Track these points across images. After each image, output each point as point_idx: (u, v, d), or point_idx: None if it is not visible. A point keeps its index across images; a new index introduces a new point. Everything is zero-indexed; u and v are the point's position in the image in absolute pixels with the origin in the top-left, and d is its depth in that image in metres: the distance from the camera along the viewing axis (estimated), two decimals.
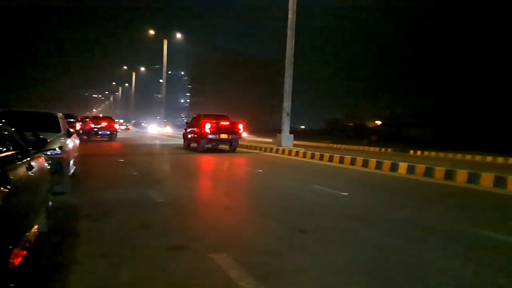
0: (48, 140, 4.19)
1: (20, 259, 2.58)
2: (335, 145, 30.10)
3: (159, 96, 64.64)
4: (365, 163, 11.75)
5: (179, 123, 54.29)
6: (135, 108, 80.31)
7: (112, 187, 7.31)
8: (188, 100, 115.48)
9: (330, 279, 3.12)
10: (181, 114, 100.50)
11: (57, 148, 5.94)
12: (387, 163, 11.00)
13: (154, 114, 79.28)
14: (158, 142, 25.86)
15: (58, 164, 5.73)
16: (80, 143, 9.58)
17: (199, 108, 60.02)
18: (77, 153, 8.27)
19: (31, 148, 3.50)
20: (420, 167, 10.02)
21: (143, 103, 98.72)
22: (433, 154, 22.58)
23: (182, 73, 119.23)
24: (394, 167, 10.69)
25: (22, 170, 2.87)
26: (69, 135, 7.13)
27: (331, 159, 13.37)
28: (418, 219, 5.36)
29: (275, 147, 17.45)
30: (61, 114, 7.83)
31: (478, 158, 19.77)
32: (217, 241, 4.06)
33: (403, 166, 10.47)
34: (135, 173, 9.54)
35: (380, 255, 3.75)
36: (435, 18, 43.10)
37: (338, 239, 4.28)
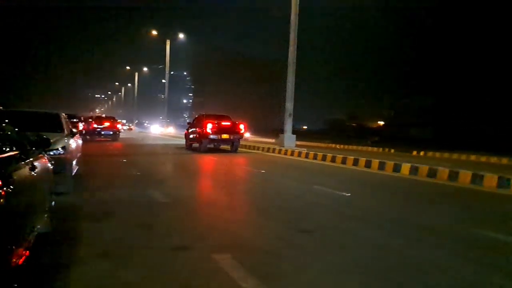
0: (51, 140, 4.19)
1: (22, 259, 2.59)
2: (333, 145, 30.11)
3: (162, 96, 64.82)
4: (367, 164, 11.73)
5: (181, 123, 54.33)
6: (138, 108, 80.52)
7: (115, 187, 7.33)
8: (191, 100, 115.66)
9: (331, 280, 3.12)
10: (184, 114, 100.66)
11: (60, 148, 5.96)
12: (390, 163, 10.97)
13: (156, 114, 79.57)
14: (160, 142, 25.91)
15: (61, 164, 5.75)
16: (83, 143, 9.61)
17: (202, 108, 60.20)
18: (80, 153, 8.29)
19: (34, 148, 3.51)
20: (423, 168, 9.99)
21: (146, 103, 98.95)
22: (437, 154, 22.49)
23: (185, 73, 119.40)
24: (397, 168, 10.66)
25: (25, 170, 2.87)
26: (72, 135, 7.15)
27: (333, 159, 13.35)
28: (419, 220, 5.35)
29: (277, 147, 17.45)
30: (64, 114, 7.85)
31: (482, 158, 19.68)
32: (219, 241, 4.06)
33: (406, 167, 10.43)
34: (137, 173, 9.56)
35: (380, 255, 3.75)
36: (435, 18, 43.04)
37: (339, 239, 4.28)
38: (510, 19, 32.88)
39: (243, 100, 69.31)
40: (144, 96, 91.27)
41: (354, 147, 28.80)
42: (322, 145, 28.42)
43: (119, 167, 11.29)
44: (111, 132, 25.31)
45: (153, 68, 70.16)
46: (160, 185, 7.77)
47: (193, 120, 19.19)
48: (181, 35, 43.90)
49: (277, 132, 21.98)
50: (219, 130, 16.24)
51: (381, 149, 26.42)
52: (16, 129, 3.42)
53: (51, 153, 5.52)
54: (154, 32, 43.69)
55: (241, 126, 16.83)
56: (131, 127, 64.96)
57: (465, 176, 8.94)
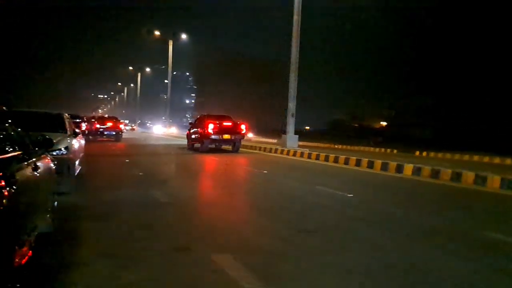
0: (54, 141, 4.20)
1: (25, 259, 2.59)
2: (334, 145, 30.12)
3: (164, 96, 64.91)
4: (370, 164, 11.70)
5: (184, 124, 54.39)
6: (140, 109, 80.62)
7: (117, 187, 7.33)
8: (193, 101, 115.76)
9: (334, 280, 3.12)
10: (186, 115, 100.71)
11: (63, 149, 5.97)
12: (392, 164, 10.94)
13: (159, 114, 79.69)
14: (162, 142, 25.95)
15: (64, 164, 5.76)
16: (85, 144, 9.63)
17: (204, 109, 60.24)
18: (82, 154, 8.30)
19: (37, 149, 3.52)
20: (426, 168, 9.95)
21: (148, 104, 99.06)
22: (439, 155, 22.42)
23: (187, 73, 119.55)
24: (399, 168, 10.63)
25: (28, 170, 2.88)
26: (75, 135, 7.16)
27: (336, 160, 13.32)
28: (421, 220, 5.34)
29: (279, 148, 17.44)
30: (67, 114, 7.87)
31: (485, 159, 19.61)
32: (220, 241, 4.06)
33: (408, 167, 10.40)
34: (139, 173, 9.57)
35: (382, 255, 3.74)
36: (435, 18, 42.97)
37: (341, 240, 4.27)
38: (510, 19, 32.80)
39: (245, 100, 69.33)
40: (146, 96, 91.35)
41: (356, 147, 28.74)
42: (325, 145, 28.39)
43: (121, 167, 11.31)
44: (114, 132, 25.34)
45: (155, 68, 70.29)
46: (162, 185, 7.78)
47: (195, 121, 19.25)
48: (183, 36, 43.93)
49: (279, 132, 21.99)
50: (220, 130, 16.29)
51: (383, 150, 26.36)
52: (19, 130, 3.44)
53: (54, 153, 5.52)
54: (157, 33, 43.73)
55: (243, 126, 16.88)
56: (134, 127, 65.04)
57: (468, 177, 8.89)
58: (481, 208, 6.65)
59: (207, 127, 16.18)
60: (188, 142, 19.09)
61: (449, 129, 37.26)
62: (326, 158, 13.85)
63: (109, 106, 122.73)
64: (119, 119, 29.15)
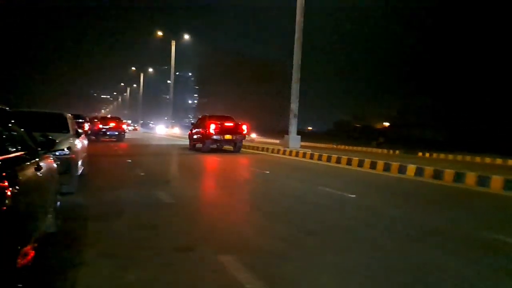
0: (57, 141, 4.21)
1: (28, 259, 2.59)
2: (335, 146, 30.11)
3: (167, 97, 65.00)
4: (372, 165, 11.67)
5: (186, 124, 54.46)
6: (143, 109, 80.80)
7: (120, 188, 7.34)
8: (196, 101, 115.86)
9: (336, 281, 3.11)
10: (189, 115, 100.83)
11: (65, 149, 5.98)
12: (395, 165, 10.91)
13: (162, 114, 79.70)
14: (165, 142, 26.00)
15: (67, 164, 5.77)
16: (88, 144, 9.64)
17: (207, 109, 60.19)
18: (85, 154, 8.32)
19: (40, 149, 3.52)
20: (429, 169, 9.92)
21: (151, 104, 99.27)
22: (441, 156, 22.35)
23: (190, 74, 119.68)
24: (402, 169, 10.60)
25: (30, 170, 2.88)
26: (77, 135, 7.18)
27: (338, 160, 13.29)
28: (424, 221, 5.33)
29: (282, 148, 17.42)
30: (69, 114, 7.89)
31: (487, 160, 19.54)
32: (223, 242, 4.06)
33: (411, 168, 10.37)
34: (142, 174, 9.57)
35: (384, 256, 3.73)
36: (435, 18, 42.92)
37: (344, 240, 4.27)
38: (510, 19, 32.72)
39: (248, 101, 69.39)
40: (149, 96, 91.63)
41: (359, 148, 28.69)
42: (327, 146, 28.36)
43: (124, 168, 11.33)
44: (117, 133, 25.37)
45: (158, 68, 70.37)
46: (164, 185, 7.78)
47: (197, 121, 19.32)
48: (186, 36, 43.97)
49: (282, 133, 21.98)
50: (222, 131, 16.36)
51: (385, 151, 26.30)
52: (22, 130, 3.44)
53: (57, 153, 5.53)
54: (160, 33, 43.79)
55: (244, 127, 16.95)
56: (136, 127, 65.19)
57: (471, 177, 8.86)
58: (482, 209, 6.63)
59: (209, 128, 16.24)
60: (190, 143, 19.15)
61: (450, 129, 37.19)
62: (329, 159, 13.82)
63: (111, 107, 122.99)
64: (121, 119, 29.18)
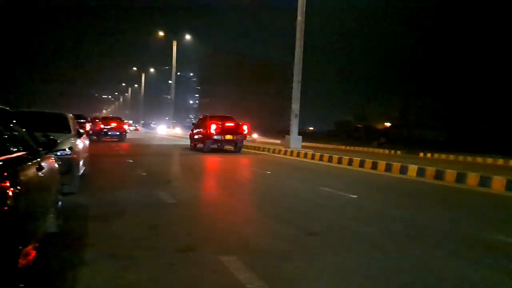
0: (58, 141, 4.22)
1: (29, 259, 2.60)
2: (337, 146, 30.09)
3: (168, 97, 65.07)
4: (374, 165, 11.67)
5: (188, 124, 54.52)
6: (144, 109, 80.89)
7: (121, 188, 7.36)
8: (197, 101, 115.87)
9: (338, 282, 3.11)
10: (190, 115, 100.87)
11: (67, 149, 5.99)
12: (396, 165, 10.90)
13: (163, 115, 79.77)
14: (166, 142, 26.04)
15: (68, 164, 5.78)
16: (90, 144, 9.66)
17: (208, 109, 60.26)
18: (87, 154, 8.33)
19: (41, 149, 3.53)
20: (430, 170, 9.91)
21: (152, 104, 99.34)
22: (443, 156, 22.31)
23: (191, 74, 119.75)
24: (403, 170, 10.59)
25: (32, 170, 2.89)
26: (79, 135, 7.19)
27: (339, 161, 13.29)
28: (425, 222, 5.33)
29: (283, 149, 17.43)
30: (71, 114, 7.90)
31: (489, 161, 19.50)
32: (225, 242, 4.06)
33: (413, 168, 10.36)
34: (143, 174, 9.59)
35: (386, 257, 3.73)
36: (435, 18, 42.91)
37: (346, 241, 4.26)
38: (510, 19, 32.68)
39: (250, 101, 69.40)
40: (150, 97, 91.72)
41: (360, 148, 28.66)
42: (328, 146, 28.34)
43: (125, 168, 11.35)
44: (118, 133, 25.42)
45: (159, 69, 70.47)
46: (165, 185, 7.79)
47: (198, 121, 19.38)
48: (187, 36, 44.02)
49: (283, 133, 21.98)
50: (222, 131, 16.40)
51: (387, 151, 26.27)
52: (24, 130, 3.45)
53: (58, 153, 5.55)
54: (161, 33, 43.84)
55: (244, 127, 17.00)
56: (138, 127, 65.25)
57: (472, 178, 8.85)
58: (483, 209, 6.63)
59: (210, 128, 16.29)
60: (191, 143, 19.20)
61: (450, 129, 37.16)
62: (330, 159, 13.82)
63: (113, 107, 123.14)
64: (123, 119, 29.23)
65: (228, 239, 4.19)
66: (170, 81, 50.06)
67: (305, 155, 15.42)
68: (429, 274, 3.34)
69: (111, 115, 45.49)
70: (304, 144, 18.83)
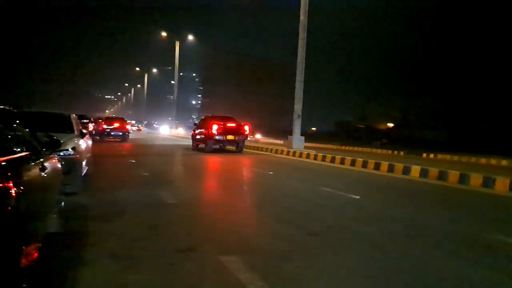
0: (61, 141, 4.24)
1: (31, 259, 2.62)
2: (340, 147, 30.10)
3: (171, 97, 65.14)
4: (376, 166, 11.66)
5: (190, 124, 54.52)
6: (147, 109, 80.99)
7: (124, 188, 7.39)
8: (200, 102, 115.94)
9: (339, 282, 3.13)
10: (193, 115, 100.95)
11: (70, 149, 6.02)
12: (399, 166, 10.89)
13: (166, 115, 79.92)
14: (169, 143, 26.08)
15: (71, 164, 5.81)
16: (92, 144, 9.70)
17: (210, 110, 60.31)
18: (89, 154, 8.37)
19: (44, 149, 3.56)
20: (433, 170, 9.89)
21: (155, 104, 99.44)
22: (447, 157, 22.24)
23: (194, 74, 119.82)
24: (406, 170, 10.57)
25: (35, 171, 2.92)
26: (82, 136, 7.22)
27: (342, 161, 13.28)
28: (427, 222, 5.33)
29: (285, 149, 17.43)
30: (74, 115, 7.94)
31: (492, 161, 19.43)
32: (226, 243, 4.08)
33: (415, 169, 10.34)
34: (145, 174, 9.62)
35: (386, 257, 3.73)
36: (435, 18, 42.76)
37: (347, 242, 4.27)
38: (510, 19, 32.54)
39: (252, 101, 69.37)
40: (153, 97, 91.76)
41: (362, 149, 28.62)
42: (330, 146, 28.33)
43: (128, 168, 11.39)
44: (121, 133, 25.48)
45: (162, 69, 70.58)
46: (167, 185, 7.82)
47: (200, 122, 19.44)
48: (190, 37, 44.06)
49: (285, 133, 21.98)
50: (224, 131, 16.46)
51: (390, 152, 26.22)
52: (27, 130, 3.48)
53: (61, 153, 5.57)
54: (164, 34, 43.89)
55: (246, 127, 17.07)
56: (140, 128, 65.32)
57: (475, 179, 8.83)
58: (485, 210, 6.62)
59: (211, 128, 16.35)
60: (193, 143, 19.25)
61: (450, 130, 37.05)
62: (332, 160, 13.81)
63: (115, 107, 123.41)
64: (125, 119, 29.30)
65: (228, 239, 4.21)
66: (172, 81, 50.08)
67: (308, 156, 15.42)
68: (429, 274, 3.35)
69: (113, 116, 45.60)
70: (306, 144, 18.83)
